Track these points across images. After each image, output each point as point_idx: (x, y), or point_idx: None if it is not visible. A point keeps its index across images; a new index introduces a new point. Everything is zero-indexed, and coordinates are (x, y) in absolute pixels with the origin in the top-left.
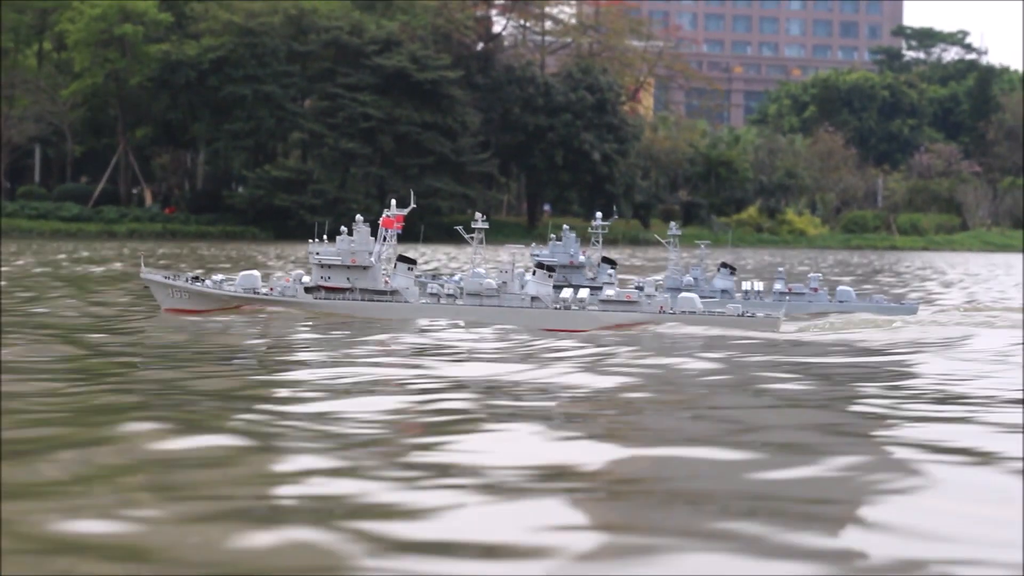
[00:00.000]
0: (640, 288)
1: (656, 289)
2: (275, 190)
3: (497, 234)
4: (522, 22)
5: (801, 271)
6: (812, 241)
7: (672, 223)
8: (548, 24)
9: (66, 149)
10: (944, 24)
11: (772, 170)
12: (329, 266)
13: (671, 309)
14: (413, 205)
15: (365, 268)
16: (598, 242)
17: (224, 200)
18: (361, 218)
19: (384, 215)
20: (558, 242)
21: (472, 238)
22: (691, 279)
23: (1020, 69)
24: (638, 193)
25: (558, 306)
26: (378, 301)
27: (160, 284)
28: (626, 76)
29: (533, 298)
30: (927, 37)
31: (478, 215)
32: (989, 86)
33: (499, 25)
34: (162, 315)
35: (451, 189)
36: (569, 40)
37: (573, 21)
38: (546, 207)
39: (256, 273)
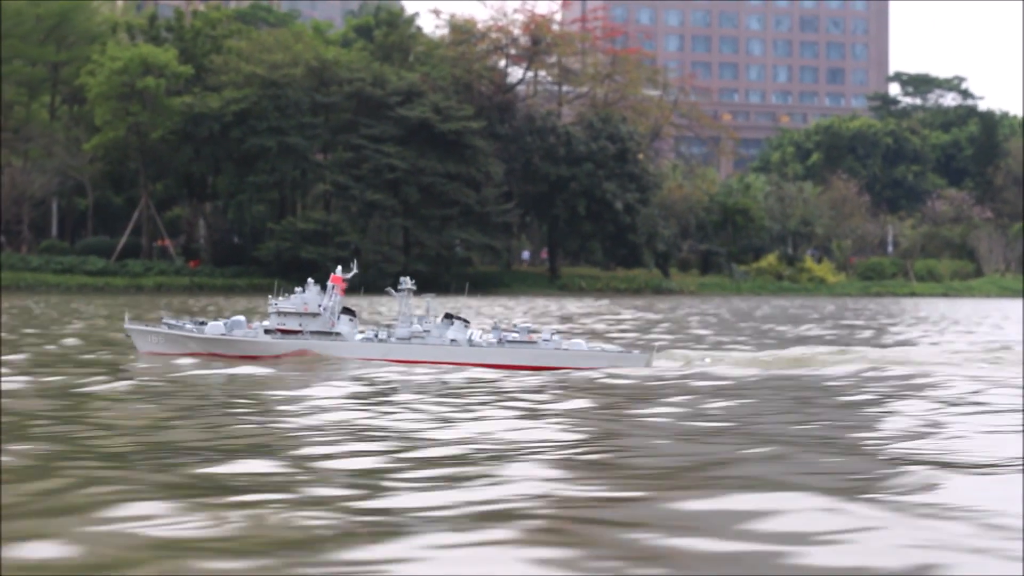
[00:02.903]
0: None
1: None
2: (301, 242)
3: (522, 284)
4: (539, 72)
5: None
6: (832, 289)
7: (403, 278)
8: (564, 73)
9: (84, 202)
10: (932, 69)
11: (785, 217)
12: (285, 313)
13: (564, 349)
14: (355, 271)
15: (315, 314)
16: (333, 294)
17: (249, 253)
18: (312, 280)
19: (332, 274)
20: (301, 291)
21: (400, 294)
22: (419, 328)
23: (1020, 114)
24: (660, 242)
25: (472, 346)
26: (324, 339)
27: (140, 332)
28: (641, 125)
29: (452, 340)
30: (923, 83)
31: (404, 279)
32: (995, 132)
33: (515, 75)
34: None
35: (476, 240)
36: (585, 89)
37: (589, 71)
38: (524, 255)
39: (220, 323)
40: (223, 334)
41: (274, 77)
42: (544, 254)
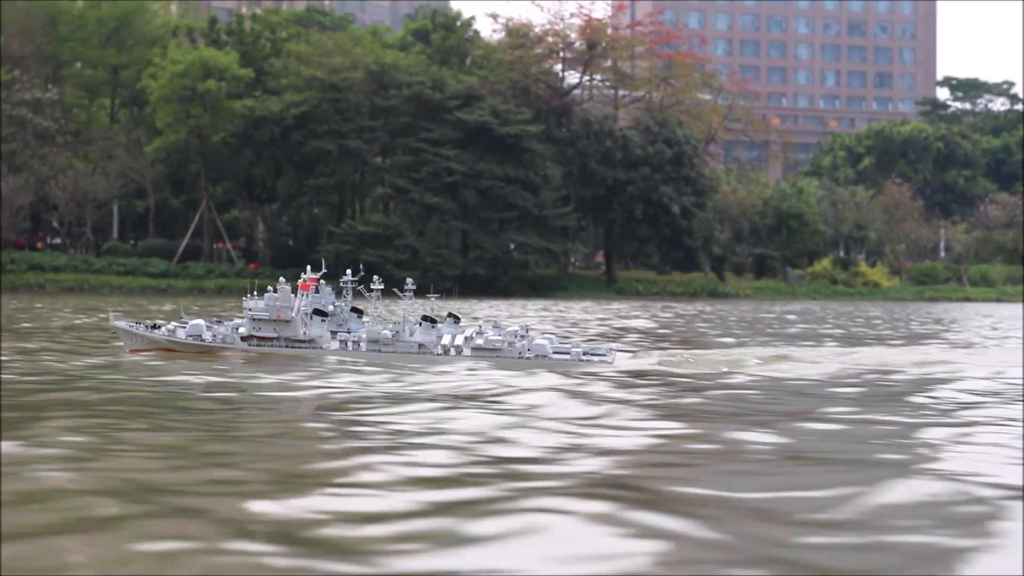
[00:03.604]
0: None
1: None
2: (361, 245)
3: (579, 288)
4: (594, 76)
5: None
6: (886, 293)
7: (408, 280)
8: (620, 78)
9: (143, 204)
10: (980, 73)
11: (839, 222)
12: (260, 319)
13: (528, 353)
14: (324, 270)
15: (287, 321)
16: (348, 295)
17: (308, 255)
18: (283, 279)
19: (301, 279)
20: (317, 294)
21: (404, 295)
22: (387, 333)
23: None
24: (716, 246)
25: (439, 352)
26: (297, 347)
27: (125, 331)
28: (696, 129)
29: (420, 345)
30: (972, 87)
31: (408, 280)
32: None
33: (571, 78)
34: (127, 354)
35: (534, 243)
36: (641, 94)
37: (645, 75)
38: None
39: (202, 322)
40: (194, 336)
41: (334, 80)
42: (599, 257)
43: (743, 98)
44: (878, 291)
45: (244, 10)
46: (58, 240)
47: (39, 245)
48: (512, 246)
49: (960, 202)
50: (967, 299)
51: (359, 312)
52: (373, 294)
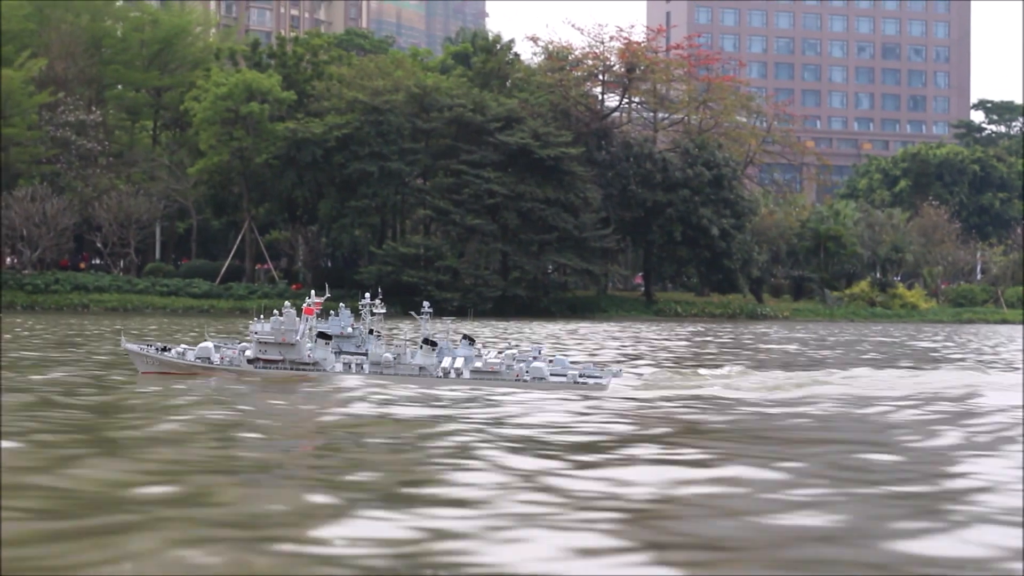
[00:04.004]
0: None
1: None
2: (402, 266)
3: (618, 309)
4: (633, 99)
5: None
6: (923, 315)
7: (424, 303)
8: (659, 101)
9: (182, 225)
10: (1015, 96)
11: (876, 244)
12: (265, 342)
13: (526, 376)
14: (328, 295)
15: (292, 344)
16: (366, 318)
17: (347, 276)
18: (288, 303)
19: (305, 304)
20: (336, 316)
21: (422, 318)
22: (388, 355)
23: None
24: (754, 268)
25: (439, 374)
26: (302, 369)
27: (136, 353)
28: (734, 151)
29: (420, 367)
30: (1007, 111)
31: (425, 303)
32: None
33: (610, 101)
34: (140, 376)
35: (575, 264)
36: (680, 116)
37: (684, 98)
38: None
39: (211, 345)
40: (205, 358)
41: (376, 103)
42: (638, 279)
43: (781, 121)
44: (916, 313)
45: (283, 33)
46: (98, 261)
47: (82, 265)
48: (550, 268)
49: (996, 224)
50: (1004, 321)
51: (377, 334)
52: (423, 317)
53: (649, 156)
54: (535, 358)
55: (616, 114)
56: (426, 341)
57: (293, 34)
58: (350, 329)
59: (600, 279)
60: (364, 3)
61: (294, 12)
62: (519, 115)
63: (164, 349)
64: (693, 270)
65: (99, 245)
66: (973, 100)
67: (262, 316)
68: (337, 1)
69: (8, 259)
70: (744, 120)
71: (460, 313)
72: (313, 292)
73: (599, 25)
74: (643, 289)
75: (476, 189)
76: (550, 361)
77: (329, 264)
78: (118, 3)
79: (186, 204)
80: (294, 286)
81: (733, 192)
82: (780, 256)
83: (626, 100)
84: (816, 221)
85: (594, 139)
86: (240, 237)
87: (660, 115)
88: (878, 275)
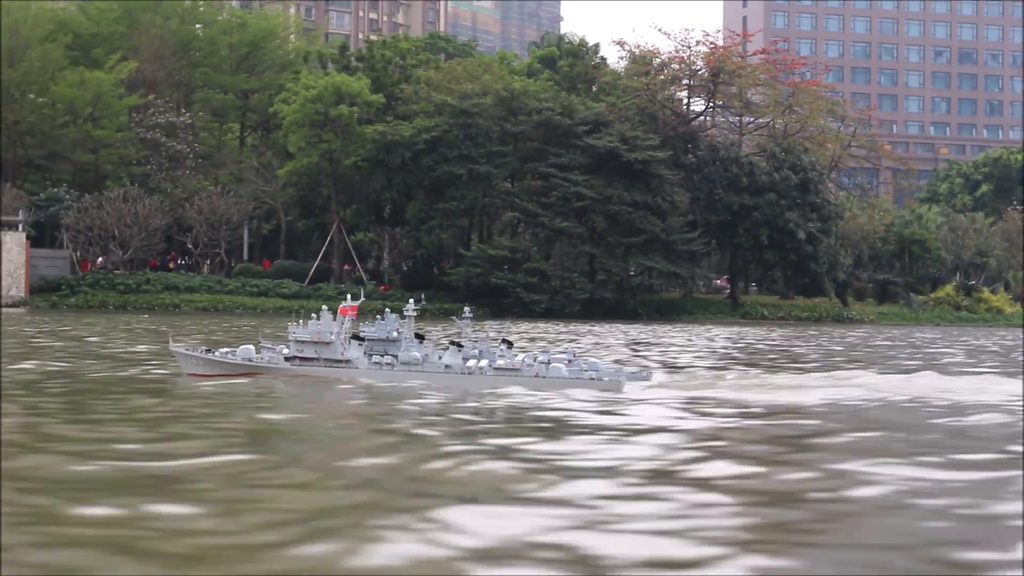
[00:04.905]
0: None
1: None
2: (491, 268)
3: (704, 312)
4: (718, 103)
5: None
6: (1009, 319)
7: (466, 307)
8: (745, 105)
9: (267, 226)
10: None
11: (960, 248)
12: (302, 342)
13: (545, 375)
14: (363, 298)
15: (328, 343)
16: (411, 322)
17: (435, 278)
18: (326, 307)
19: (342, 305)
20: (382, 321)
21: (463, 322)
22: (417, 355)
23: None
24: (840, 271)
25: (464, 372)
26: (335, 367)
27: (183, 355)
28: (819, 155)
29: (447, 366)
30: None
31: (466, 308)
32: None
33: (696, 105)
34: (186, 377)
35: (661, 267)
36: (766, 120)
37: (770, 102)
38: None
39: (252, 346)
40: (247, 358)
41: (464, 106)
42: (722, 281)
43: (862, 125)
44: (1001, 317)
45: (362, 36)
46: (183, 261)
47: (171, 266)
48: (632, 271)
49: None
50: None
51: (421, 337)
52: (464, 321)
53: (735, 160)
54: (569, 360)
55: (701, 118)
56: (452, 343)
57: (379, 38)
58: (395, 333)
59: (687, 282)
60: (442, 5)
61: (372, 16)
62: (606, 119)
63: (208, 351)
64: (778, 273)
65: (189, 245)
66: None
67: (301, 320)
68: (415, 2)
69: (100, 259)
70: (831, 124)
71: (548, 315)
72: (350, 296)
73: (685, 29)
74: (727, 292)
75: (564, 192)
76: (569, 362)
77: (415, 266)
78: (201, 7)
79: (275, 205)
80: (382, 287)
81: (819, 196)
82: (863, 260)
83: (711, 104)
84: (900, 225)
85: (680, 143)
86: (328, 239)
87: (745, 119)
88: (960, 279)
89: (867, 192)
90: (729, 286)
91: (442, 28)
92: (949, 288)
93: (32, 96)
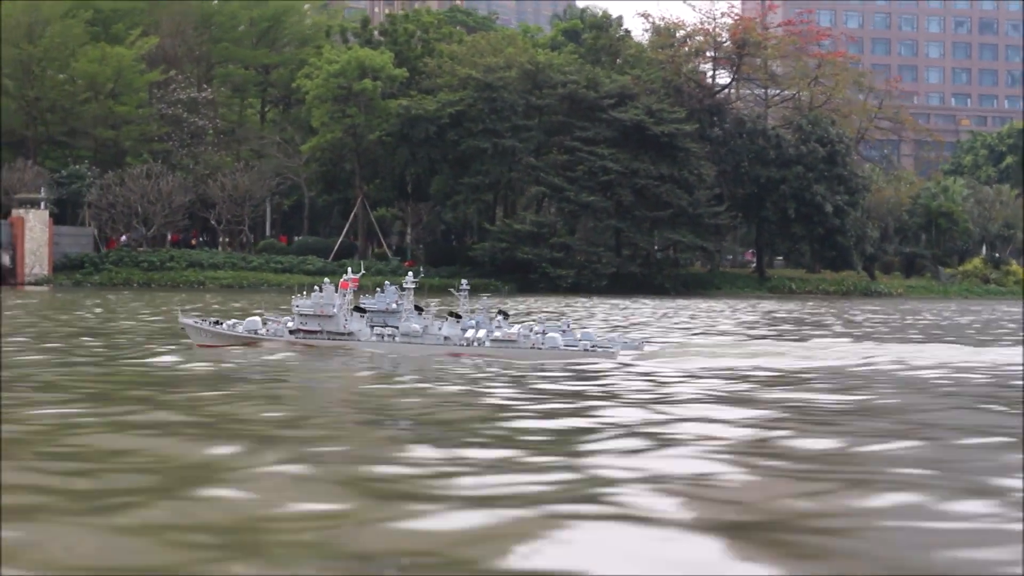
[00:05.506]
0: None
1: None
2: (517, 243)
3: (731, 286)
4: (744, 75)
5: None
6: None
7: (463, 280)
8: (770, 77)
9: (288, 202)
10: None
11: (987, 220)
12: (305, 315)
13: (541, 345)
14: (363, 271)
15: (330, 316)
16: (410, 295)
17: (459, 253)
18: (328, 280)
19: (343, 278)
20: (381, 293)
21: (460, 294)
22: (417, 327)
23: None
24: (868, 244)
25: (463, 343)
26: (338, 339)
27: (192, 327)
28: (846, 127)
29: (446, 337)
30: None
31: (463, 281)
32: None
33: (723, 78)
34: (196, 348)
35: (689, 241)
36: (792, 93)
37: (796, 74)
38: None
39: (258, 319)
40: (252, 331)
41: (489, 80)
42: (749, 255)
43: (888, 97)
44: None
45: (380, 10)
46: (204, 237)
47: (193, 242)
48: (658, 245)
49: None
50: None
51: (420, 310)
52: (461, 293)
53: (762, 133)
54: (564, 331)
55: (726, 91)
56: (451, 314)
57: (403, 12)
58: (394, 305)
59: (714, 256)
60: None
61: None
62: (632, 92)
63: (216, 323)
64: (806, 247)
65: (213, 222)
66: None
67: (304, 293)
68: None
69: (124, 236)
70: (860, 96)
71: (574, 290)
72: (350, 269)
73: (711, 1)
74: (754, 265)
75: (590, 166)
76: (563, 332)
77: (440, 240)
78: None
79: (298, 181)
80: (407, 263)
81: (847, 168)
82: (889, 233)
83: (736, 77)
84: (928, 198)
85: (707, 116)
86: (352, 214)
87: (770, 92)
88: (987, 252)
89: (893, 164)
90: (756, 260)
91: (460, 0)
92: (977, 261)
93: (52, 72)
